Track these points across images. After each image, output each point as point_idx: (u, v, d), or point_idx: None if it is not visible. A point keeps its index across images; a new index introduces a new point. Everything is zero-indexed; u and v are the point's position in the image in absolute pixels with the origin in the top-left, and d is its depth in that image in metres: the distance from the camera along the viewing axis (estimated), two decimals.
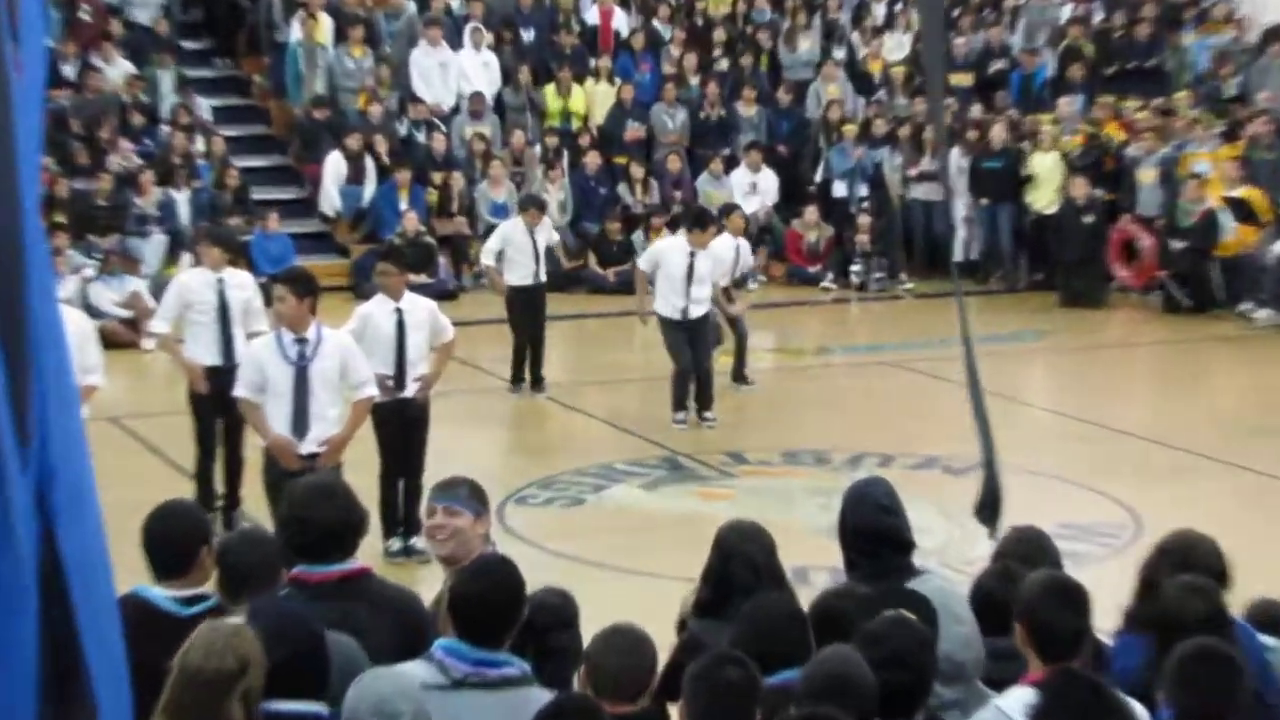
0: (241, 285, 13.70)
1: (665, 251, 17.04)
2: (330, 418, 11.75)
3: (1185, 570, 6.92)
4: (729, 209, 18.72)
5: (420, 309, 13.19)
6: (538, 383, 18.01)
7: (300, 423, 11.63)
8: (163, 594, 6.50)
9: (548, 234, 18.64)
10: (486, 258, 18.35)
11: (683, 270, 16.60)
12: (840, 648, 5.90)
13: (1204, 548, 7.23)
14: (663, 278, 16.74)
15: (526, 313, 17.90)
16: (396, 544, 12.96)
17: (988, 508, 8.34)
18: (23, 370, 2.11)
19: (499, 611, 6.25)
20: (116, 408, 16.33)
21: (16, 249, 2.19)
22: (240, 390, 11.76)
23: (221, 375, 13.02)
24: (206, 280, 13.59)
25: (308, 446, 11.60)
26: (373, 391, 12.07)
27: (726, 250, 17.54)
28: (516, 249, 17.85)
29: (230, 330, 13.46)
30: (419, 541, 12.32)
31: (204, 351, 13.45)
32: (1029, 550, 7.45)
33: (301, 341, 11.55)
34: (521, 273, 17.77)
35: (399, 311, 12.97)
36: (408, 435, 13.10)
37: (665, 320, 16.73)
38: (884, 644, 5.87)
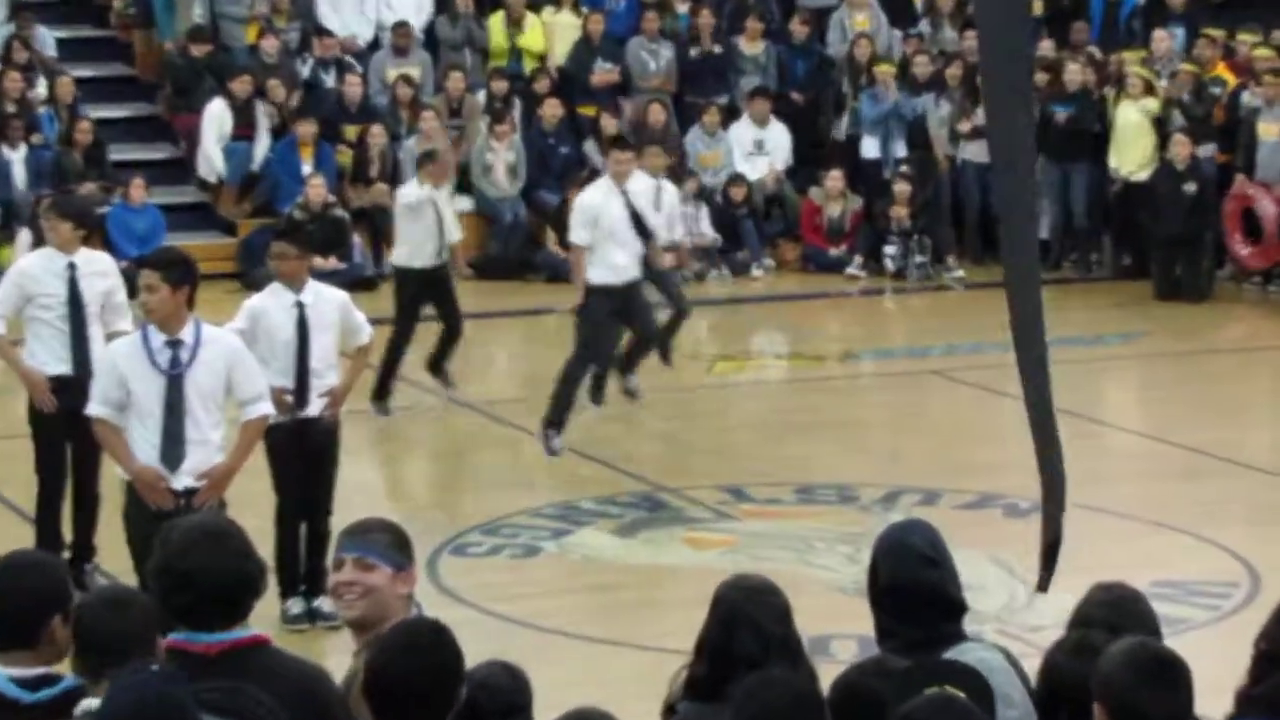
0: (99, 272, 13.41)
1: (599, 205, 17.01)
2: (212, 443, 11.59)
3: None
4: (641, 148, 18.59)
5: (328, 303, 13.08)
6: (439, 371, 18.11)
7: (172, 450, 11.49)
8: (2, 674, 6.49)
9: (450, 202, 18.59)
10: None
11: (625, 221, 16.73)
12: None
13: None
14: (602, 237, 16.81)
15: (430, 304, 17.99)
16: (297, 605, 12.89)
17: (1047, 556, 8.32)
18: None
19: (428, 695, 6.27)
20: None
21: None
22: (95, 408, 11.53)
23: (72, 387, 12.85)
24: (53, 265, 13.24)
25: (182, 480, 11.42)
26: (267, 410, 11.93)
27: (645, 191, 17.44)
28: (418, 220, 17.81)
29: (84, 330, 13.22)
30: (325, 603, 12.33)
31: (49, 357, 13.19)
32: (1117, 615, 7.45)
33: (175, 344, 11.31)
34: (421, 252, 17.80)
35: (300, 306, 12.86)
36: (311, 466, 13.06)
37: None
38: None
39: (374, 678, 6.36)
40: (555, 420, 16.62)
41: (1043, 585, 8.12)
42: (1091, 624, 7.42)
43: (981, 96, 10.30)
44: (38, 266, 13.45)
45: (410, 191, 17.95)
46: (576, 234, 17.05)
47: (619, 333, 16.99)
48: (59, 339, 13.19)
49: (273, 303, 12.95)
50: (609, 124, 24.85)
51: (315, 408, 12.87)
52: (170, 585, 6.65)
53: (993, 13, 8.70)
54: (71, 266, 13.19)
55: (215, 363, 11.46)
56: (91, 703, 6.39)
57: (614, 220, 16.56)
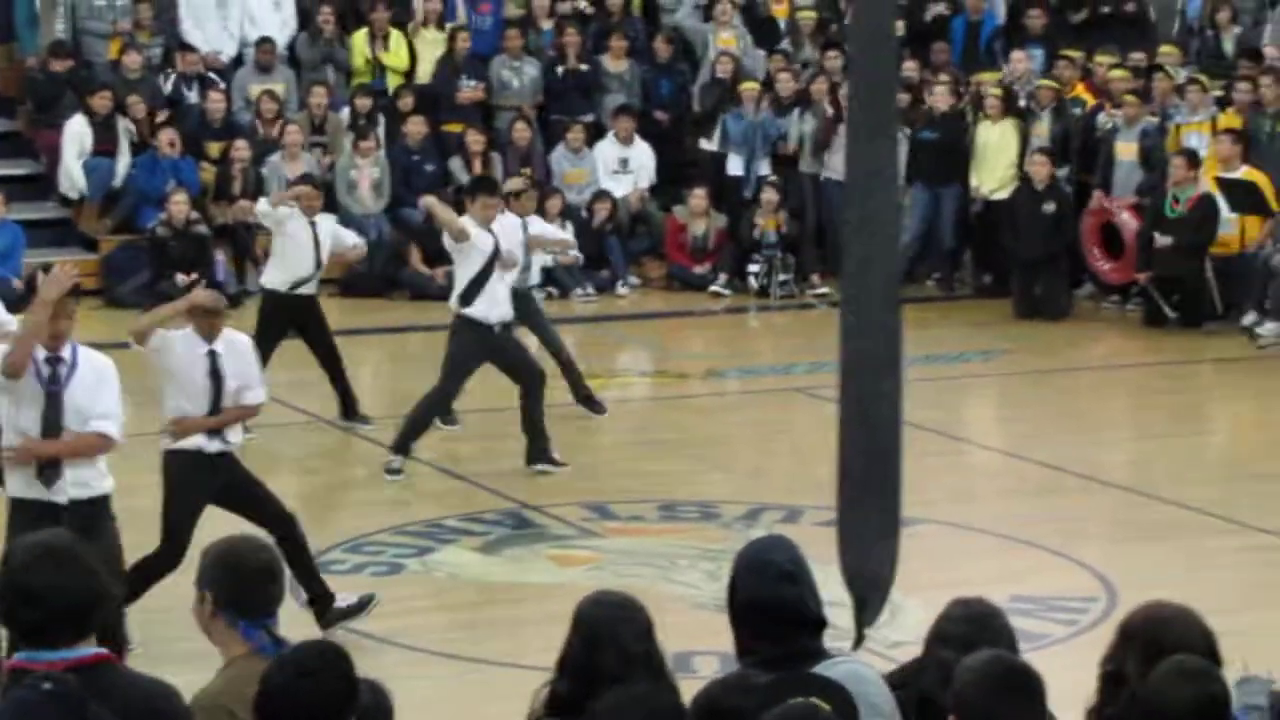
0: None
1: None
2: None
3: (1159, 654, 7.01)
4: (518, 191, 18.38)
5: (239, 354, 13.02)
6: (353, 413, 18.04)
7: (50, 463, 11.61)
8: None
9: (331, 230, 18.45)
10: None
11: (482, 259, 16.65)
12: None
13: (1179, 625, 7.29)
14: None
15: (290, 330, 17.96)
16: None
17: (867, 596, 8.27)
18: None
19: (324, 717, 6.25)
20: None
21: None
22: None
23: None
24: None
25: (62, 494, 11.55)
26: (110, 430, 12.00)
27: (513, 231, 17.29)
28: (293, 243, 17.67)
29: None
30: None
31: None
32: (975, 630, 7.50)
33: (55, 361, 11.45)
34: (291, 276, 17.66)
35: (213, 355, 12.76)
36: (240, 493, 13.30)
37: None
38: None
39: (271, 699, 6.33)
40: (402, 446, 16.67)
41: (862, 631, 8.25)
42: (949, 639, 7.46)
43: (847, 119, 10.32)
44: None
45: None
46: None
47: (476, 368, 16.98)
48: None
49: (186, 347, 12.79)
50: (474, 141, 24.86)
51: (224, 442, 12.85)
52: (16, 602, 6.58)
53: (861, 37, 8.73)
54: None
55: (89, 379, 11.49)
56: None
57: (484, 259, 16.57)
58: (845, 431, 8.49)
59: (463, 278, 16.60)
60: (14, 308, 15.20)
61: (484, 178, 18.71)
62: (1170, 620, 7.27)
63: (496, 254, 16.45)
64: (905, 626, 11.11)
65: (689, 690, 7.00)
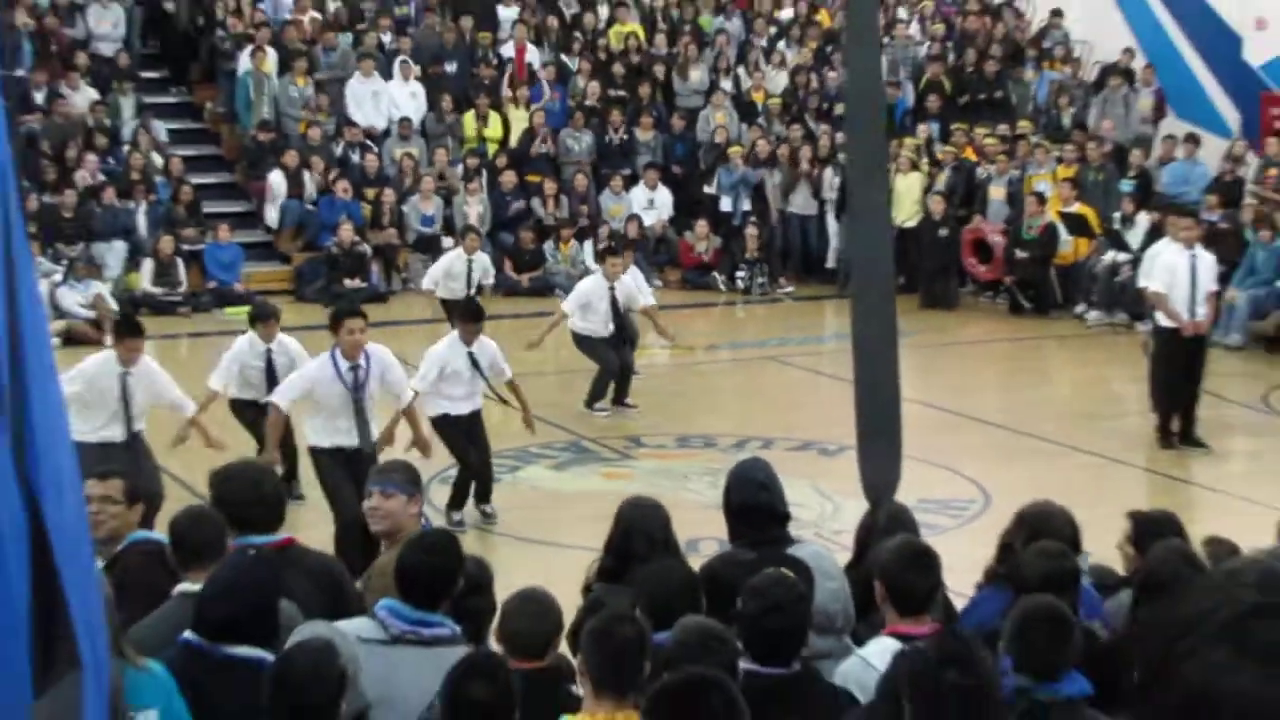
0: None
1: (590, 293, 17.03)
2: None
3: (1040, 536, 7.02)
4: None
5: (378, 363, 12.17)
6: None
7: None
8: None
9: (482, 265, 18.74)
10: (429, 283, 18.64)
11: (607, 305, 16.87)
12: (699, 619, 5.95)
13: (1058, 518, 7.32)
14: (590, 313, 16.89)
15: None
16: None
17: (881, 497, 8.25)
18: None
19: (440, 579, 6.29)
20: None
21: None
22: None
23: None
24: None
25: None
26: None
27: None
28: (455, 278, 18.17)
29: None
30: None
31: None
32: (893, 522, 7.52)
33: (355, 368, 11.73)
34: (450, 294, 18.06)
35: (355, 369, 11.92)
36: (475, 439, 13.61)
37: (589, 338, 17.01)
38: (766, 595, 5.92)
39: (403, 566, 6.36)
40: (594, 398, 16.96)
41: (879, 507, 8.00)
42: (875, 529, 7.48)
43: (846, 172, 10.21)
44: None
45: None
46: (567, 304, 17.22)
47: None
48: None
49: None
50: (548, 187, 24.87)
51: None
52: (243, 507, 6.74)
53: (856, 102, 8.58)
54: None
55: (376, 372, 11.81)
56: (189, 586, 6.37)
57: (602, 304, 16.88)
58: (860, 386, 8.45)
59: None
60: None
61: (612, 248, 18.58)
62: (1051, 514, 7.31)
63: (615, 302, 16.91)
64: (845, 520, 11.11)
65: (696, 564, 7.02)
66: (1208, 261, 15.73)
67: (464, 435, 13.38)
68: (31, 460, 2.01)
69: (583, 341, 16.97)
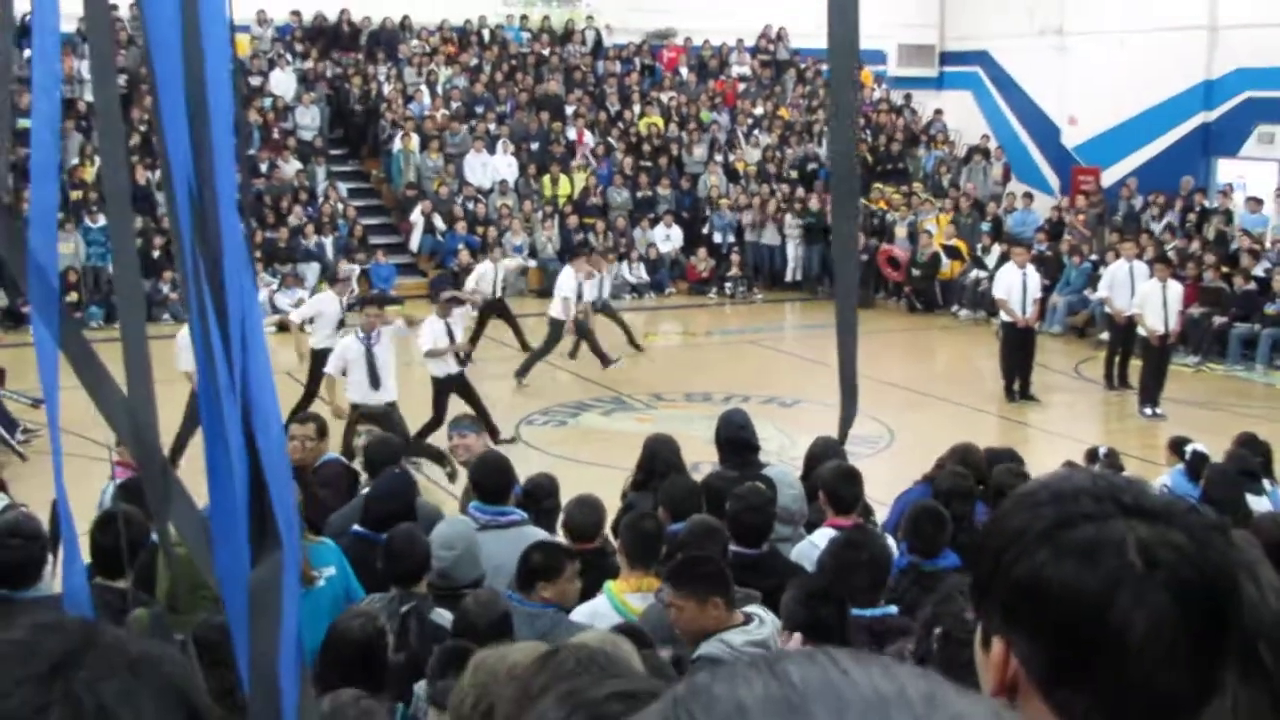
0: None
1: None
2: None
3: (964, 461, 7.03)
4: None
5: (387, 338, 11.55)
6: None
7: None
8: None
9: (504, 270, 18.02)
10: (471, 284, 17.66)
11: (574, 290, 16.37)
12: (703, 516, 5.95)
13: (974, 452, 7.36)
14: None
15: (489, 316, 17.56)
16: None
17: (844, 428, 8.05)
18: (224, 315, 2.05)
19: (499, 482, 6.30)
20: (288, 367, 16.20)
21: (214, 220, 2.05)
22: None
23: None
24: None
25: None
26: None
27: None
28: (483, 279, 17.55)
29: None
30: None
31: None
32: (828, 451, 7.49)
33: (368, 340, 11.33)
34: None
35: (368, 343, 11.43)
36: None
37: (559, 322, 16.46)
38: (746, 498, 5.91)
39: (474, 477, 6.35)
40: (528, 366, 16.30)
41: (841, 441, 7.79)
42: (815, 456, 7.43)
43: (831, 205, 9.96)
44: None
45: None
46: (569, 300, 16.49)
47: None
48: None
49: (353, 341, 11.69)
50: (598, 227, 24.75)
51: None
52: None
53: (839, 140, 8.45)
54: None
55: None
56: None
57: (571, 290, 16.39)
58: (841, 357, 8.22)
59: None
60: (392, 302, 14.91)
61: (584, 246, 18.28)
62: (970, 448, 7.34)
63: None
64: (798, 450, 11.07)
65: (698, 479, 6.98)
66: (1035, 278, 15.83)
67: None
68: (249, 406, 2.01)
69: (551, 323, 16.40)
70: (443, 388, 12.63)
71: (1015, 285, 15.56)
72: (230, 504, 1.89)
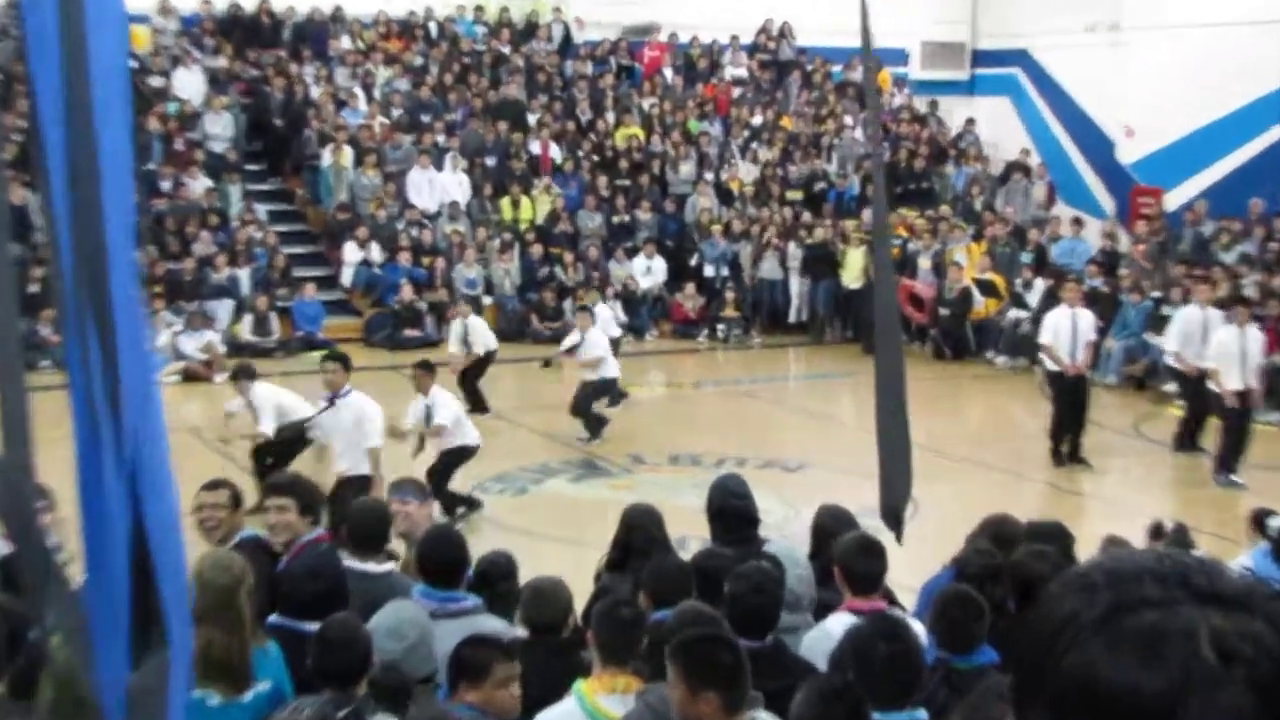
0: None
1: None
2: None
3: (999, 537, 7.05)
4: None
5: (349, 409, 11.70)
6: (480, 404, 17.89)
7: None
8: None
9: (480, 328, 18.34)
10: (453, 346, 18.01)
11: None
12: (693, 603, 5.92)
13: (1010, 527, 7.38)
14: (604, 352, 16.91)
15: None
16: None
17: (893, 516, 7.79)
18: (112, 362, 2.01)
19: (452, 562, 6.29)
20: (193, 423, 16.15)
21: (101, 250, 2.03)
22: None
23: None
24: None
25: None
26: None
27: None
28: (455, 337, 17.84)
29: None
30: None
31: None
32: (837, 522, 7.49)
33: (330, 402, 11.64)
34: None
35: (332, 403, 11.80)
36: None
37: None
38: (750, 579, 5.89)
39: (422, 557, 6.35)
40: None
41: (898, 540, 7.49)
42: (824, 528, 7.42)
43: (873, 241, 9.57)
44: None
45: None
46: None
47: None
48: None
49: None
50: (568, 257, 24.85)
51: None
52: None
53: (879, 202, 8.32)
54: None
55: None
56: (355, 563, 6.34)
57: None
58: (881, 423, 7.97)
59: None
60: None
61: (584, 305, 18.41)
62: (1005, 520, 7.36)
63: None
64: (802, 523, 11.03)
65: (685, 558, 6.96)
66: (1088, 318, 15.89)
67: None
68: (138, 471, 1.99)
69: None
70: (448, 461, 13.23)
71: (1064, 329, 15.60)
72: (110, 592, 1.85)
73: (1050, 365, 15.78)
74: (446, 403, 13.41)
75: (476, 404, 17.57)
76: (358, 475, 11.27)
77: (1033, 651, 1.43)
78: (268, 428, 12.93)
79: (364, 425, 11.47)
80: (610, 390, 17.19)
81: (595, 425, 16.60)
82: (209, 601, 5.15)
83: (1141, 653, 1.37)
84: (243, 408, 13.38)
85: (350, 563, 6.65)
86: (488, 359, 17.98)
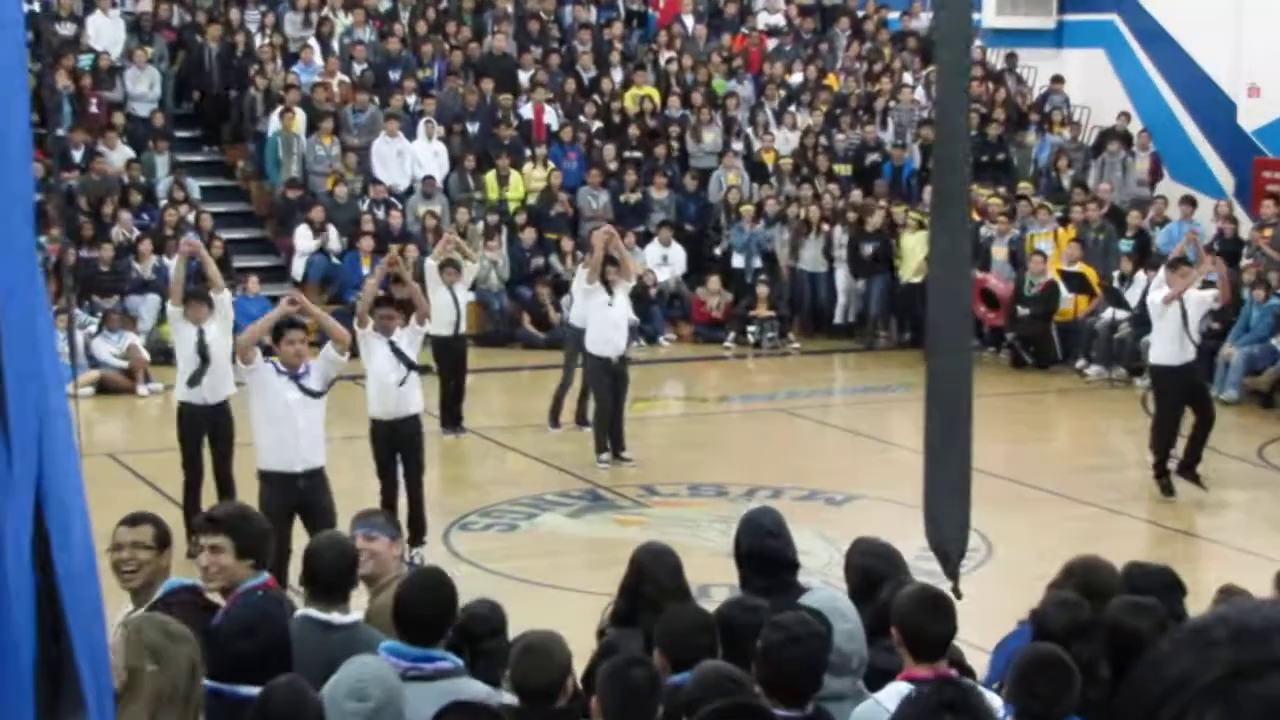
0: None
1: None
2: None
3: (1089, 587, 7.01)
4: None
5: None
6: (457, 420, 17.90)
7: None
8: None
9: (464, 293, 18.53)
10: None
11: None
12: (717, 663, 5.89)
13: (1104, 570, 7.34)
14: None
15: (446, 361, 17.89)
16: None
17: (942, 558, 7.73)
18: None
19: (435, 616, 6.30)
20: (113, 445, 16.19)
21: None
22: None
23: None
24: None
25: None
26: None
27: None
28: (439, 305, 17.67)
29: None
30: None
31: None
32: (883, 564, 7.45)
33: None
34: (441, 325, 17.57)
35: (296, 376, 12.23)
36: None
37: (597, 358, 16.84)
38: (788, 629, 5.86)
39: (400, 605, 6.35)
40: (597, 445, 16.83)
41: (957, 595, 7.47)
42: (872, 571, 7.38)
43: (930, 219, 9.64)
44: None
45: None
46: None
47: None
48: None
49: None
50: (565, 243, 24.89)
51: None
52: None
53: (945, 158, 8.27)
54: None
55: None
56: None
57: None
58: (932, 444, 7.98)
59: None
60: (265, 351, 15.25)
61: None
62: (1097, 566, 7.32)
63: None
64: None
65: (708, 609, 6.95)
66: (1199, 300, 15.90)
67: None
68: (42, 513, 1.97)
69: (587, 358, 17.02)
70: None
71: (1170, 314, 15.59)
72: (11, 659, 1.84)
73: (1160, 359, 15.77)
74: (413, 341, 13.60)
75: (452, 418, 17.68)
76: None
77: (1137, 715, 1.41)
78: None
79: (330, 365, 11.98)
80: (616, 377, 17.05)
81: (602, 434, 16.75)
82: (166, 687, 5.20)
83: None
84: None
85: (310, 612, 6.64)
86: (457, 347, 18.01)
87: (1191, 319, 15.60)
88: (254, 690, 5.62)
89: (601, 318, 16.75)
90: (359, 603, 7.44)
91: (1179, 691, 1.41)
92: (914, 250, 24.15)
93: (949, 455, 7.88)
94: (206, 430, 13.44)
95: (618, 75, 28.14)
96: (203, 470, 13.40)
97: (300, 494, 11.57)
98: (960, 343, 8.26)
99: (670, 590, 7.21)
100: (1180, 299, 15.45)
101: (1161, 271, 16.40)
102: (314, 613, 6.67)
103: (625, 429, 16.93)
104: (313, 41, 26.99)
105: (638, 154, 26.85)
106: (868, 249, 24.56)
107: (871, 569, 7.39)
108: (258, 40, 26.81)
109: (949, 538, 7.75)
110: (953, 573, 7.62)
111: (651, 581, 7.25)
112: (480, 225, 24.97)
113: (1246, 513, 15.92)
